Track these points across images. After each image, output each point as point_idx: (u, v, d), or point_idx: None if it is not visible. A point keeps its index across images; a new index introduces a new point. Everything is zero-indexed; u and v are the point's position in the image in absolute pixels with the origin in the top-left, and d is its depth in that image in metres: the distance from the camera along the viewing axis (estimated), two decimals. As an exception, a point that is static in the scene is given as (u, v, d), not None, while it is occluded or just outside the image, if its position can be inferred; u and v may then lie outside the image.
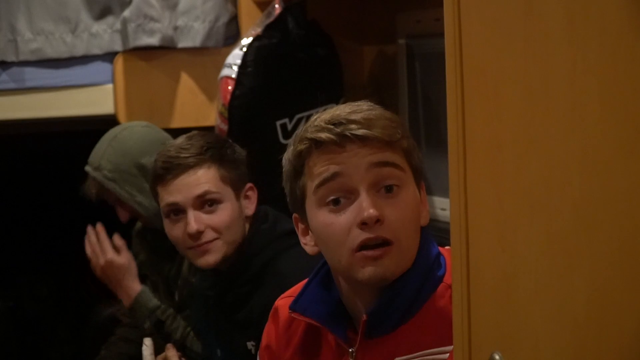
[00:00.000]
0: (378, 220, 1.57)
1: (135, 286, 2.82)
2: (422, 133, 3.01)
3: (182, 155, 2.37)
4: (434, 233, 1.72)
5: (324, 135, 1.59)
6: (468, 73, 1.23)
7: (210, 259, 2.38)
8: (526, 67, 1.15)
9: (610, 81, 1.06)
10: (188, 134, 2.47)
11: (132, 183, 2.80)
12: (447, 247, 1.65)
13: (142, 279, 2.94)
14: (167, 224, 2.43)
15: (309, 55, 2.97)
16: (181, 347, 2.72)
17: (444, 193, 2.78)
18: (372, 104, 1.67)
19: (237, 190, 2.43)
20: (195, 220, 2.36)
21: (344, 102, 2.99)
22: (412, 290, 1.61)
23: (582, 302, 1.11)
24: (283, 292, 1.92)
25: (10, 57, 3.14)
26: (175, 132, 3.25)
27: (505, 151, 1.19)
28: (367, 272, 1.59)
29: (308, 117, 2.94)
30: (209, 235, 2.37)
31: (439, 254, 1.68)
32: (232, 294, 2.41)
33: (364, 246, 1.58)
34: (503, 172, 1.20)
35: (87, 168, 2.82)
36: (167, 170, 2.38)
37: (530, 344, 1.18)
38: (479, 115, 1.22)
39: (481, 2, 1.21)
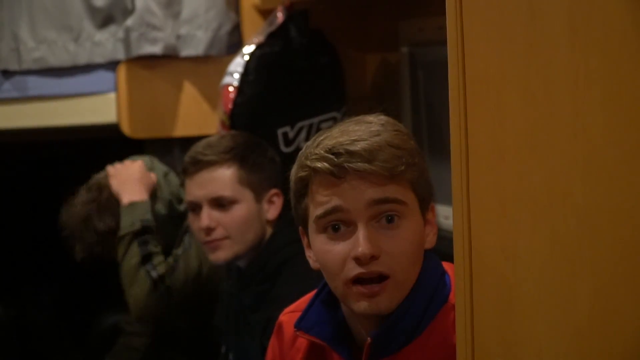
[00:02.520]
0: (373, 257, 1.55)
1: (144, 193, 2.84)
2: (425, 141, 3.01)
3: (207, 152, 2.50)
4: (438, 242, 1.71)
5: (323, 165, 1.56)
6: (470, 81, 1.23)
7: (220, 255, 2.48)
8: (529, 75, 1.15)
9: (613, 88, 1.06)
10: (223, 134, 2.62)
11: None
12: (451, 264, 1.64)
13: None
14: (190, 216, 2.56)
15: (311, 64, 2.97)
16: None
17: (447, 201, 2.77)
18: (382, 122, 1.62)
19: (258, 193, 2.52)
20: (207, 216, 2.48)
21: (346, 112, 3.02)
22: (416, 315, 1.60)
23: (585, 310, 1.11)
24: (301, 288, 1.92)
25: (13, 66, 3.14)
26: (178, 141, 3.26)
27: (508, 159, 1.19)
28: (361, 306, 1.58)
29: (310, 126, 2.94)
30: (219, 232, 2.48)
31: (444, 272, 1.66)
32: (251, 292, 2.47)
33: (358, 279, 1.57)
34: (506, 179, 1.20)
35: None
36: (191, 164, 2.51)
37: (534, 352, 1.18)
38: (482, 123, 1.22)
39: (484, 9, 1.21)
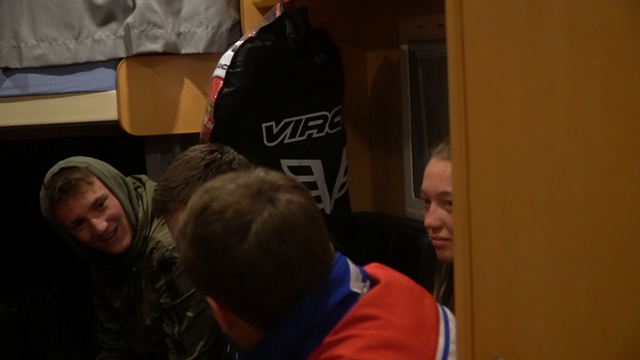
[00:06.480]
0: None
1: None
2: (425, 138, 3.01)
3: (165, 198, 2.32)
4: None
5: None
6: (471, 78, 1.23)
7: None
8: (528, 72, 1.16)
9: (611, 86, 1.06)
10: (175, 164, 2.39)
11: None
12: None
13: (109, 310, 2.94)
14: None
15: (304, 62, 2.96)
16: None
17: (447, 198, 2.77)
18: None
19: None
20: None
21: (340, 110, 3.01)
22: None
23: (585, 307, 1.11)
24: None
25: (14, 64, 3.14)
26: (179, 138, 3.26)
27: (508, 156, 1.19)
28: None
29: (297, 122, 2.93)
30: None
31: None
32: None
33: None
34: (506, 176, 1.20)
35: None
36: (157, 211, 2.41)
37: (534, 349, 1.18)
38: (482, 120, 1.22)
39: (483, 7, 1.21)
